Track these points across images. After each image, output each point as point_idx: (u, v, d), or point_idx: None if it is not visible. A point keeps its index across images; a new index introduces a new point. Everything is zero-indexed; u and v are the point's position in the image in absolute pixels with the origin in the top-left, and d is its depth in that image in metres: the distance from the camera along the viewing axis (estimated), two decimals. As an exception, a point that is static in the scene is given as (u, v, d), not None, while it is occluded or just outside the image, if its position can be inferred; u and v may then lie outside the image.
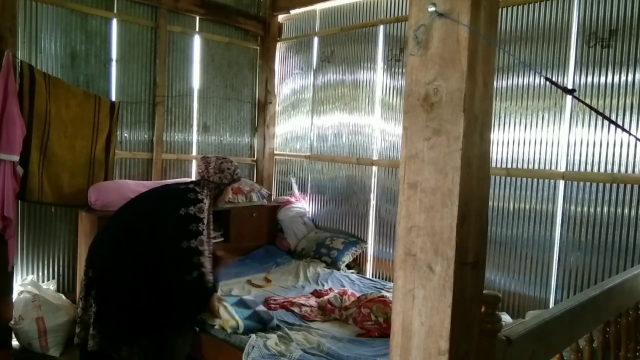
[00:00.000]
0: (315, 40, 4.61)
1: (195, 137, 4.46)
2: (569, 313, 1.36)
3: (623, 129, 2.77)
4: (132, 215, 2.58)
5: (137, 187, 3.45)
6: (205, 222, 2.50)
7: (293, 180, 4.76)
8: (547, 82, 2.93)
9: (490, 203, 3.17)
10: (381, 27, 4.05)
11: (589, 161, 2.88)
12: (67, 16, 3.59)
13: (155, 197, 2.65)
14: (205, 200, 2.54)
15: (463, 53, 0.88)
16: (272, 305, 3.04)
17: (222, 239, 4.02)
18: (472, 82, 0.89)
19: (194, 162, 4.43)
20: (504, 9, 3.19)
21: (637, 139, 2.67)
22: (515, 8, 3.16)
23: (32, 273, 3.52)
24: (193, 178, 3.92)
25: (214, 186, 2.64)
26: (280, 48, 4.95)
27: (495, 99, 3.18)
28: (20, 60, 3.16)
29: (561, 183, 3.01)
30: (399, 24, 3.91)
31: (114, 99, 3.82)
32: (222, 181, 2.65)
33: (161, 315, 2.40)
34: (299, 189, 4.71)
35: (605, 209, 2.82)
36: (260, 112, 4.91)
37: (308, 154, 4.66)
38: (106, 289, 2.41)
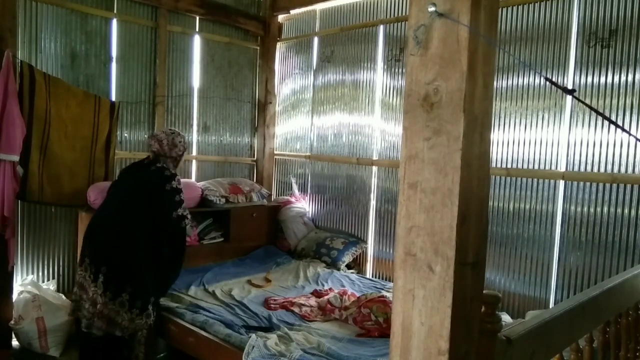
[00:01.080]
0: (315, 40, 4.60)
1: (195, 137, 4.46)
2: (569, 313, 1.36)
3: (623, 129, 2.77)
4: (123, 203, 2.85)
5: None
6: (180, 186, 2.93)
7: (293, 180, 4.76)
8: (547, 82, 2.93)
9: (490, 203, 3.17)
10: (381, 27, 4.05)
11: (589, 161, 2.88)
12: (67, 16, 3.59)
13: (137, 180, 2.93)
14: (174, 171, 2.95)
15: (463, 53, 0.88)
16: (272, 306, 3.04)
17: (222, 239, 4.02)
18: (472, 82, 0.89)
19: (194, 162, 4.43)
20: (504, 9, 3.19)
21: (637, 139, 2.67)
22: (515, 8, 3.16)
23: (32, 273, 3.52)
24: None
25: (172, 160, 2.99)
26: (280, 48, 4.95)
27: (495, 99, 3.18)
28: (20, 60, 3.16)
29: (561, 183, 3.01)
30: (399, 24, 3.91)
31: (114, 99, 3.82)
32: (178, 154, 3.01)
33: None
34: (299, 189, 4.71)
35: (605, 209, 2.82)
36: (260, 112, 4.91)
37: (308, 154, 4.66)
38: (125, 275, 2.67)
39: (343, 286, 3.49)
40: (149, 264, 2.76)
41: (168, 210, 2.85)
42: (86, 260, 2.71)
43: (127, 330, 2.66)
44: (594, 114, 2.84)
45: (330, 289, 3.39)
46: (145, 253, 2.75)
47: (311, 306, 3.04)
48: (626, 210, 2.75)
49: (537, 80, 3.08)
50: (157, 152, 2.96)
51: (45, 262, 3.59)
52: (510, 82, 3.19)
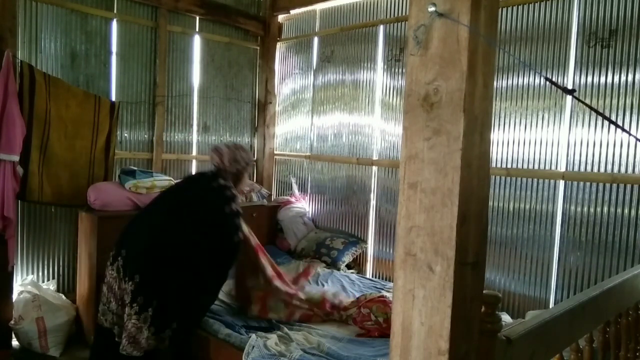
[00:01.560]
0: (315, 40, 4.60)
1: (195, 137, 4.46)
2: (569, 313, 1.36)
3: (623, 129, 2.77)
4: (176, 213, 2.60)
5: (137, 187, 3.46)
6: (240, 209, 2.68)
7: (293, 180, 4.76)
8: (547, 82, 2.93)
9: (490, 203, 3.17)
10: (381, 27, 4.05)
11: (589, 161, 2.88)
12: (67, 16, 3.59)
13: (193, 197, 2.68)
14: (235, 192, 2.68)
15: (463, 53, 0.88)
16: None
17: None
18: (472, 82, 0.89)
19: (194, 162, 4.43)
20: (504, 9, 3.19)
21: (637, 139, 2.67)
22: (515, 8, 3.16)
23: (32, 273, 3.52)
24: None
25: (232, 176, 2.75)
26: (280, 48, 4.95)
27: (495, 99, 3.18)
28: (20, 60, 3.16)
29: (561, 183, 3.01)
30: (399, 24, 3.91)
31: (114, 99, 3.82)
32: (238, 170, 2.76)
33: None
34: (299, 189, 4.71)
35: (605, 209, 2.82)
36: (260, 112, 4.91)
37: (308, 154, 4.66)
38: (155, 291, 2.40)
39: (343, 286, 3.49)
40: (185, 287, 2.47)
41: (226, 234, 2.59)
42: (119, 261, 2.48)
43: (145, 350, 2.40)
44: (594, 114, 2.84)
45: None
46: (186, 274, 2.47)
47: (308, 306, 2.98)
48: (626, 210, 2.75)
49: (537, 80, 3.08)
50: (217, 165, 2.74)
51: (45, 262, 3.59)
52: (510, 82, 3.19)
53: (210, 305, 2.76)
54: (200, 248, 2.52)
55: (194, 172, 2.93)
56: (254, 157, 4.93)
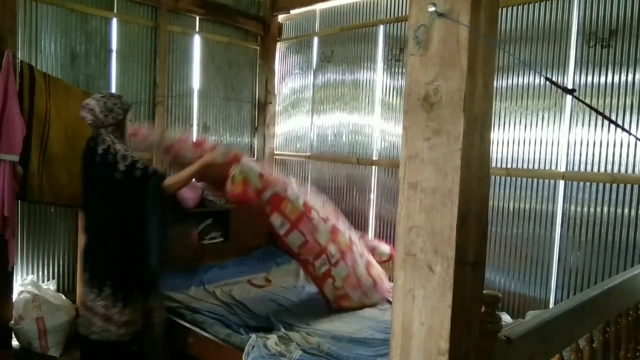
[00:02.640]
0: (315, 40, 4.60)
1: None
2: (569, 313, 1.37)
3: (623, 129, 2.77)
4: (86, 206, 2.71)
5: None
6: (132, 156, 2.51)
7: (293, 181, 4.75)
8: (547, 82, 2.93)
9: (490, 203, 3.17)
10: (381, 27, 4.05)
11: (589, 161, 2.88)
12: (67, 16, 3.59)
13: (88, 174, 2.67)
14: (118, 147, 2.51)
15: (463, 53, 0.88)
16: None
17: (222, 239, 4.02)
18: (472, 82, 0.89)
19: (194, 162, 4.43)
20: (504, 9, 3.19)
21: (637, 138, 2.67)
22: (515, 8, 3.16)
23: (32, 273, 3.52)
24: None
25: (113, 128, 2.56)
26: (280, 48, 4.95)
27: (495, 99, 3.18)
28: (20, 60, 3.15)
29: (561, 183, 3.01)
30: (399, 24, 3.90)
31: (114, 99, 3.82)
32: (117, 119, 2.56)
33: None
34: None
35: (605, 209, 2.82)
36: (260, 112, 4.91)
37: (308, 153, 4.66)
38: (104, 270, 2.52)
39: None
40: (129, 250, 2.52)
41: (131, 189, 2.49)
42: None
43: (120, 324, 2.51)
44: (594, 113, 2.83)
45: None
46: (123, 240, 2.52)
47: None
48: (626, 210, 2.75)
49: (537, 80, 3.08)
50: (93, 123, 2.56)
51: (45, 262, 3.59)
52: (510, 82, 3.19)
53: (164, 253, 2.59)
54: (120, 214, 2.52)
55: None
56: (254, 157, 4.94)
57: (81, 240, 3.38)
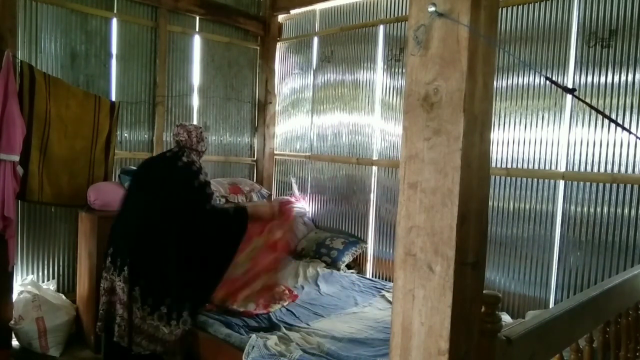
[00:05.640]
0: (315, 40, 4.60)
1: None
2: (569, 313, 1.36)
3: (623, 127, 2.77)
4: (151, 207, 2.71)
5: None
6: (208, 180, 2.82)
7: (293, 180, 4.76)
8: (547, 82, 2.93)
9: (490, 203, 3.17)
10: (381, 27, 4.05)
11: (589, 161, 2.88)
12: (67, 16, 3.59)
13: (163, 179, 2.76)
14: (201, 164, 2.83)
15: (463, 53, 0.88)
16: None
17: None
18: (472, 82, 0.89)
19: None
20: (504, 9, 3.19)
21: (637, 137, 2.67)
22: (515, 8, 3.16)
23: (32, 273, 3.52)
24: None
25: (197, 154, 2.86)
26: (280, 48, 4.95)
27: (495, 99, 3.18)
28: (20, 60, 3.16)
29: (561, 183, 3.01)
30: (399, 24, 3.91)
31: (114, 99, 3.82)
32: (202, 150, 2.89)
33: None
34: (299, 189, 4.71)
35: (605, 209, 2.82)
36: (260, 112, 4.91)
37: (308, 154, 4.66)
38: (153, 275, 2.59)
39: (342, 286, 3.49)
40: (184, 272, 2.63)
41: (200, 205, 2.71)
42: (118, 263, 2.59)
43: (168, 344, 2.57)
44: (594, 113, 2.83)
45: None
46: (180, 260, 2.63)
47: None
48: (626, 210, 2.75)
49: (537, 80, 3.08)
50: (183, 142, 2.79)
51: (45, 262, 3.59)
52: (510, 82, 3.19)
53: (211, 278, 2.76)
54: (181, 225, 2.65)
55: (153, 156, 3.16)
56: (254, 157, 4.94)
57: (81, 240, 3.40)
